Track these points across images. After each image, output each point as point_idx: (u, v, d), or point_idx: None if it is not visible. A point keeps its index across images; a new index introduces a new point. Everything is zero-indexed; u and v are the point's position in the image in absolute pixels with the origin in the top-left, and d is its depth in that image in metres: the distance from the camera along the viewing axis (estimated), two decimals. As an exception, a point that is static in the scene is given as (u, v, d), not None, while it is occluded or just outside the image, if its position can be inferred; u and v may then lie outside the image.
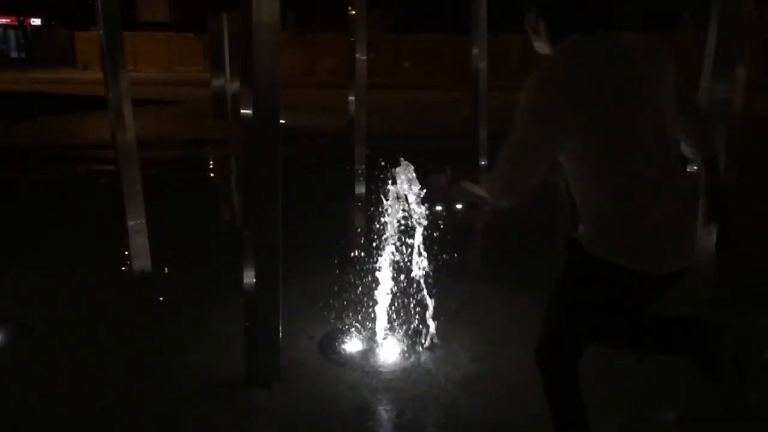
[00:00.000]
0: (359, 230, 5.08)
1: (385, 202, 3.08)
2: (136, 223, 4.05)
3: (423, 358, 3.04)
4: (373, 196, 3.14)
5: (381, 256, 3.16)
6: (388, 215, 3.09)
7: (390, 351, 3.10)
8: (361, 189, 5.90)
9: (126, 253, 4.08)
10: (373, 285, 3.22)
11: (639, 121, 1.79)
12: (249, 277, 2.73)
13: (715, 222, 2.32)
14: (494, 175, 1.95)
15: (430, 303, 3.16)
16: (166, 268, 4.19)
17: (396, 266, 3.18)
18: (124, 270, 4.10)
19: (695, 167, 4.07)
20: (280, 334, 2.81)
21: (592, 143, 1.79)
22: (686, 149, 2.16)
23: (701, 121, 2.10)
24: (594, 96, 1.75)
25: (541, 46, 1.97)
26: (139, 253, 4.08)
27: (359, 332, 3.26)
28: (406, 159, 3.05)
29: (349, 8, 5.90)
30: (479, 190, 2.07)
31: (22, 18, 39.22)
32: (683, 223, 1.93)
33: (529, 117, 1.81)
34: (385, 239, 3.12)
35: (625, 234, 1.84)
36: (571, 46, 1.82)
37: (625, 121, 1.77)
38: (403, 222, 3.09)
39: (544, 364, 2.09)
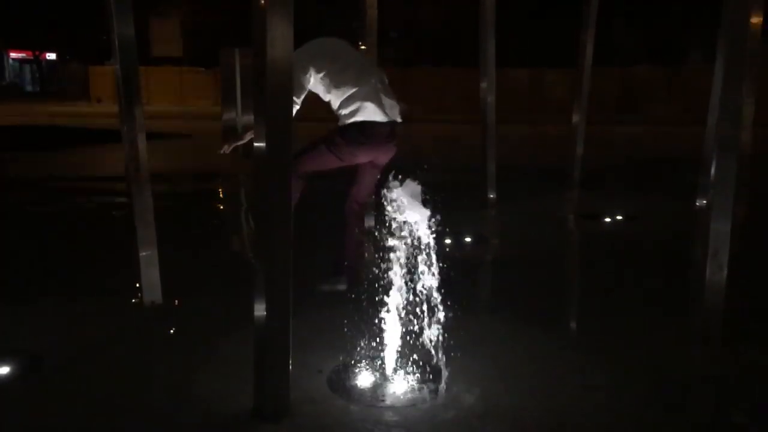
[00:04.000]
0: (369, 262, 5.09)
1: (394, 233, 3.09)
2: (148, 255, 4.07)
3: (433, 392, 3.02)
4: (382, 227, 3.16)
5: (391, 289, 3.16)
6: (397, 247, 3.10)
7: (400, 386, 3.08)
8: (370, 222, 5.92)
9: (137, 284, 4.10)
10: (383, 318, 3.21)
11: (360, 73, 3.78)
12: (259, 310, 2.74)
13: None
14: None
15: (441, 337, 3.14)
16: (176, 300, 4.20)
17: (406, 299, 3.17)
18: (135, 302, 4.12)
19: (704, 201, 4.05)
20: (290, 368, 2.80)
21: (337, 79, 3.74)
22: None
23: None
24: (333, 58, 3.76)
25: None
26: (150, 285, 4.10)
27: (369, 366, 3.25)
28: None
29: (359, 44, 6.00)
30: None
31: (37, 52, 39.99)
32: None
33: (300, 62, 3.60)
34: (395, 272, 3.13)
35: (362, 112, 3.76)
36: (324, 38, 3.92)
37: (351, 71, 3.76)
38: (413, 255, 3.10)
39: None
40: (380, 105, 3.79)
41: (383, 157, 3.95)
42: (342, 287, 3.94)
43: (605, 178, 9.45)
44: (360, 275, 4.04)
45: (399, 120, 3.92)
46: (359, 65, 3.84)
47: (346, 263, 4.11)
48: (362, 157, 3.90)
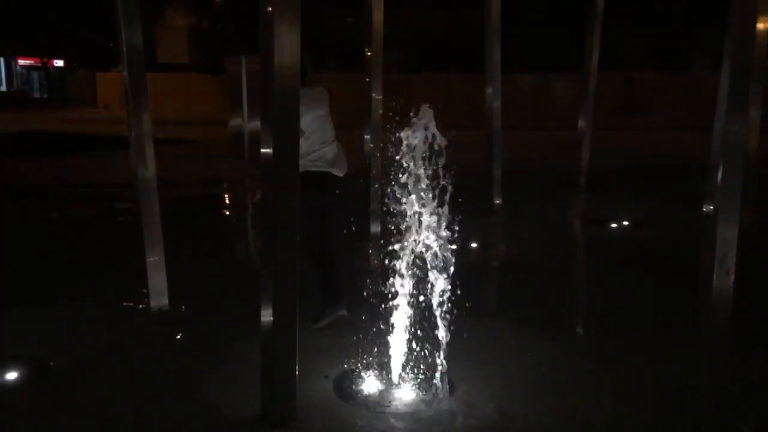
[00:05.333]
0: (374, 269, 5.09)
1: (399, 240, 3.10)
2: (155, 260, 4.09)
3: (440, 398, 3.02)
4: (388, 235, 3.17)
5: (397, 295, 3.16)
6: (403, 253, 3.10)
7: (405, 391, 3.08)
8: (376, 228, 5.92)
9: (144, 290, 4.12)
10: (389, 324, 3.21)
11: (323, 122, 3.86)
12: (266, 316, 2.74)
13: None
14: None
15: (446, 343, 3.14)
16: (183, 306, 4.21)
17: (412, 305, 3.17)
18: (142, 307, 4.13)
19: (711, 207, 4.03)
20: (297, 373, 2.80)
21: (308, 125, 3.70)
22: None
23: None
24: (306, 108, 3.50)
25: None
26: (157, 291, 4.11)
27: (375, 372, 3.25)
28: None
29: (366, 50, 6.02)
30: None
31: (45, 59, 40.20)
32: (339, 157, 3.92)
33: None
34: (401, 278, 3.13)
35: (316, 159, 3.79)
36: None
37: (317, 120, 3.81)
38: (418, 260, 3.10)
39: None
40: (316, 161, 3.79)
41: (328, 199, 3.86)
42: (343, 312, 3.85)
43: (611, 183, 9.43)
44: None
45: (339, 174, 3.87)
46: (318, 127, 3.82)
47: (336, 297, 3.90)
48: (308, 200, 3.67)
